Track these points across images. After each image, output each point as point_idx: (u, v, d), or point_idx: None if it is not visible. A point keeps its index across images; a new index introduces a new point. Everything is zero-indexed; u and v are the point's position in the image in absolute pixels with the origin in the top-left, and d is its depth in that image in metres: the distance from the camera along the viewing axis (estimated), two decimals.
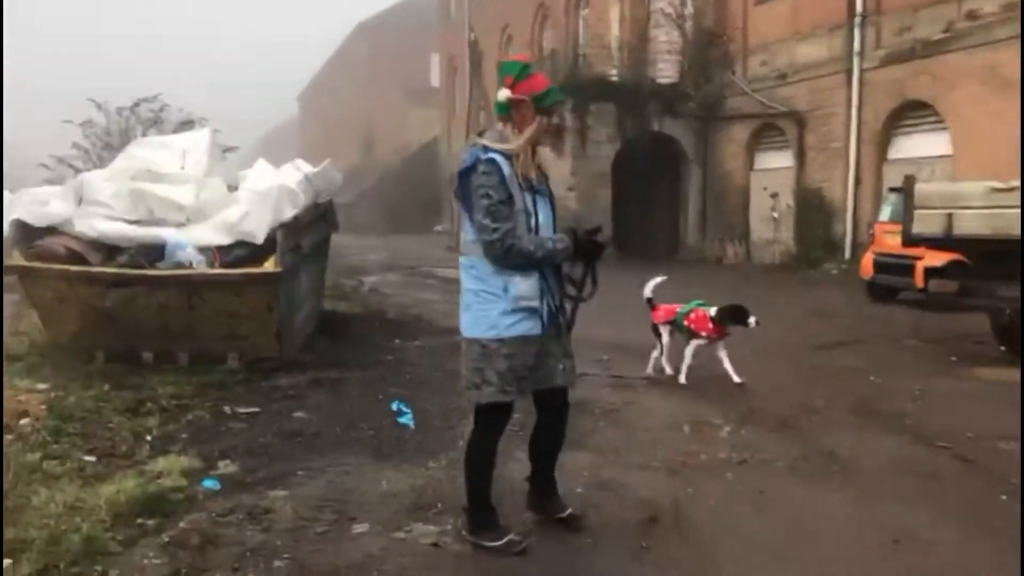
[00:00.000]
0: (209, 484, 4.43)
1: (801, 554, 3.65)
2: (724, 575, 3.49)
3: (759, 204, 21.53)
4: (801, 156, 19.79)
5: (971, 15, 15.76)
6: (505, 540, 3.64)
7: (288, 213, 7.13)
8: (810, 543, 3.75)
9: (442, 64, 42.17)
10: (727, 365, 7.02)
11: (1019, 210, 7.19)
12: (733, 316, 6.97)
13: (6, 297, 8.43)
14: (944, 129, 16.38)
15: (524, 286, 3.48)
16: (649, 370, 7.38)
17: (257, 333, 6.98)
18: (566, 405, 3.85)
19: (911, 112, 17.35)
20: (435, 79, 44.60)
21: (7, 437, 4.88)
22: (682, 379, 7.03)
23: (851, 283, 14.69)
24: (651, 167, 22.54)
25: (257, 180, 7.85)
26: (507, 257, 3.41)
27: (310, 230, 8.01)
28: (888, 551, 3.63)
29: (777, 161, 20.83)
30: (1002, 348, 8.68)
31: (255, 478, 4.55)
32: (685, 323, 7.15)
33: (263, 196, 7.12)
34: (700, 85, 22.24)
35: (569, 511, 3.91)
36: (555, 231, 3.64)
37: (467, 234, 3.57)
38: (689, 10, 22.65)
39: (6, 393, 5.50)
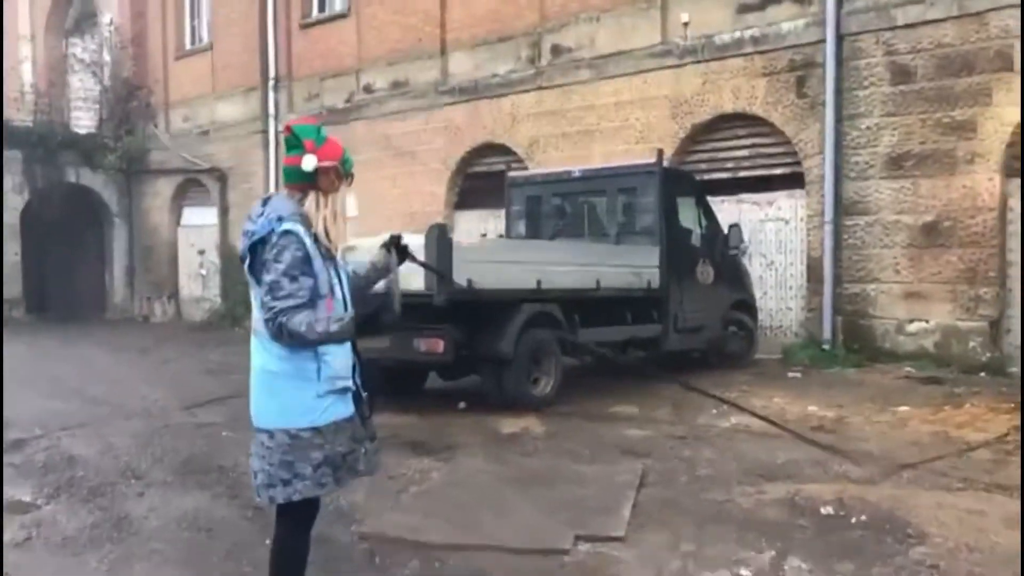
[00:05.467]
0: None
1: None
2: None
3: (187, 261, 21.11)
4: (225, 213, 19.89)
5: (367, 89, 17.35)
6: None
7: None
8: None
9: None
10: None
11: None
12: None
13: None
14: (351, 191, 17.66)
15: (338, 363, 3.14)
16: None
17: None
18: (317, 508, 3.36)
19: None
20: None
21: None
22: None
23: None
24: (71, 221, 20.83)
25: None
26: (280, 336, 3.02)
27: None
28: None
29: (203, 217, 20.66)
30: None
31: None
32: None
33: None
34: (121, 137, 21.17)
35: None
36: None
37: (258, 310, 3.13)
38: (107, 58, 21.53)
39: None
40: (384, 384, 9.15)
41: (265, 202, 3.24)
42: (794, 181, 12.18)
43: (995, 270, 10.55)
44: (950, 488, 5.56)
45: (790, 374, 10.65)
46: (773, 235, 12.51)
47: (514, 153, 14.86)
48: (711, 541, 4.56)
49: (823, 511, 5.05)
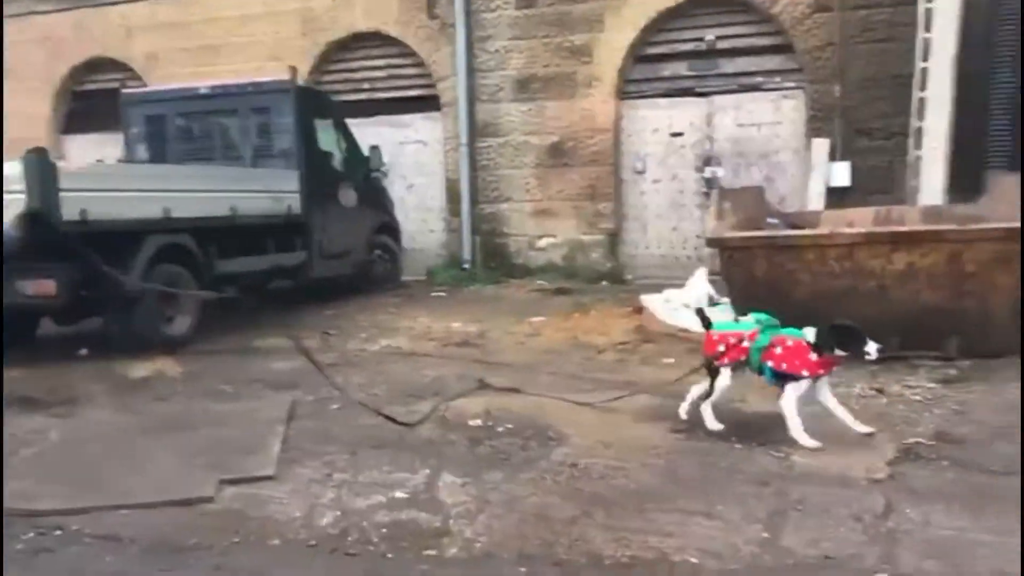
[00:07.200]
0: None
1: None
2: None
3: None
4: None
5: None
6: None
7: None
8: None
9: None
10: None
11: None
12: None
13: None
14: None
15: None
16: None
17: None
18: None
19: None
20: None
21: None
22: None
23: None
24: None
25: None
26: None
27: None
28: None
29: None
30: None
31: None
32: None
33: None
34: None
35: None
36: None
37: None
38: None
39: None
40: None
41: None
42: (431, 103, 12.30)
43: (611, 187, 11.53)
44: (583, 390, 5.95)
45: (434, 294, 10.91)
46: (412, 157, 12.60)
47: (130, 69, 13.46)
48: (365, 467, 4.45)
49: (471, 423, 5.17)
